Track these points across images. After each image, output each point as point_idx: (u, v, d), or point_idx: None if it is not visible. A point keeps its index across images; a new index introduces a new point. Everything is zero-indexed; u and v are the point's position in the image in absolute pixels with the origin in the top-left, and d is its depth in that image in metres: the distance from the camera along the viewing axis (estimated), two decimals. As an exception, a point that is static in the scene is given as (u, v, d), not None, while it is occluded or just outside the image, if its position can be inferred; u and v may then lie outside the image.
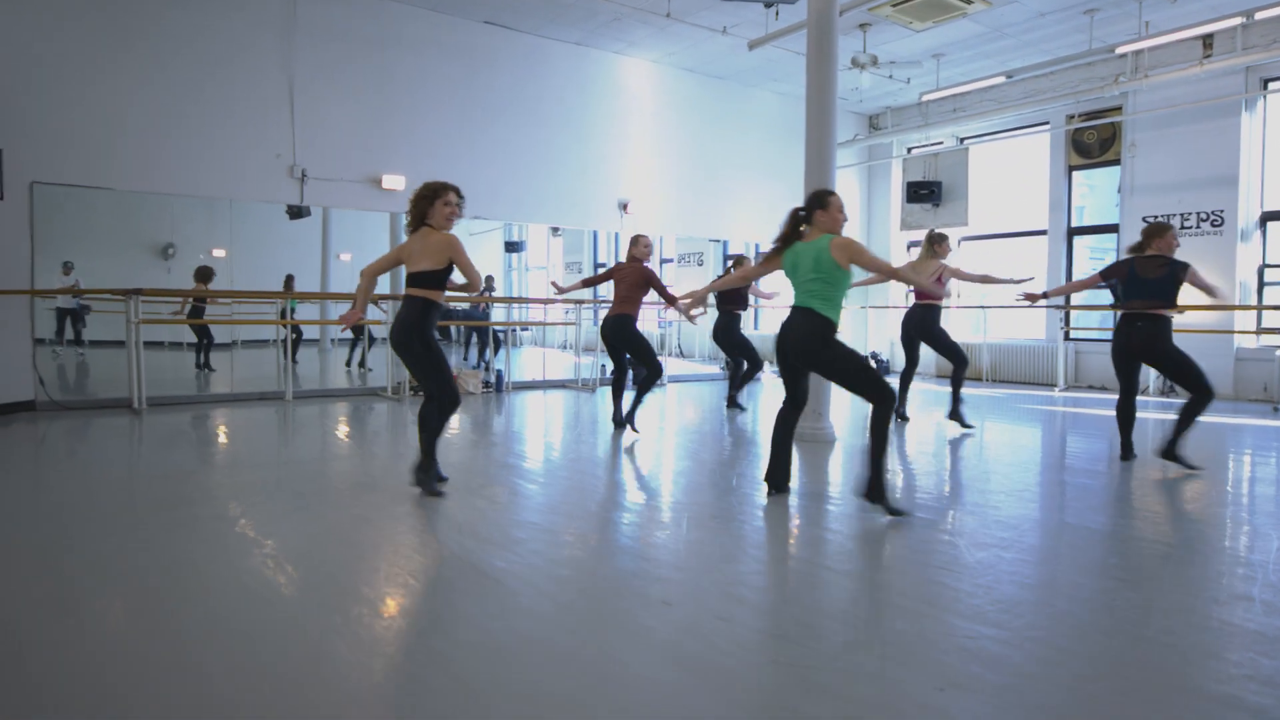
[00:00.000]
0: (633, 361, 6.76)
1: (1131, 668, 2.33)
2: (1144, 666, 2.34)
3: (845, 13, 8.30)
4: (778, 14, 9.12)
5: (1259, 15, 8.43)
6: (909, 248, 13.60)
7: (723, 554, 3.37)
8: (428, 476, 4.24)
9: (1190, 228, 9.99)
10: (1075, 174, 11.50)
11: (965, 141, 12.66)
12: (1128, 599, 2.89)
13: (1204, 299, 5.80)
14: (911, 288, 7.75)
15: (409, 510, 3.97)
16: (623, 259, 6.90)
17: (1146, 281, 5.18)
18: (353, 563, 3.23)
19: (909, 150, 13.49)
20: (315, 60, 8.93)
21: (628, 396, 6.82)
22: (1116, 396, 5.55)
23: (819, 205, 4.12)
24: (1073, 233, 11.53)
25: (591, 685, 2.18)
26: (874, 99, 12.83)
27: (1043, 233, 11.80)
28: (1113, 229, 11.04)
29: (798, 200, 4.70)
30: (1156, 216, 10.24)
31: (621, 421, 6.69)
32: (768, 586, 3.12)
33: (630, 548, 3.53)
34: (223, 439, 6.47)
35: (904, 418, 7.41)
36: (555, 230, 13.93)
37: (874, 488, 3.91)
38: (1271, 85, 9.57)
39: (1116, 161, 10.89)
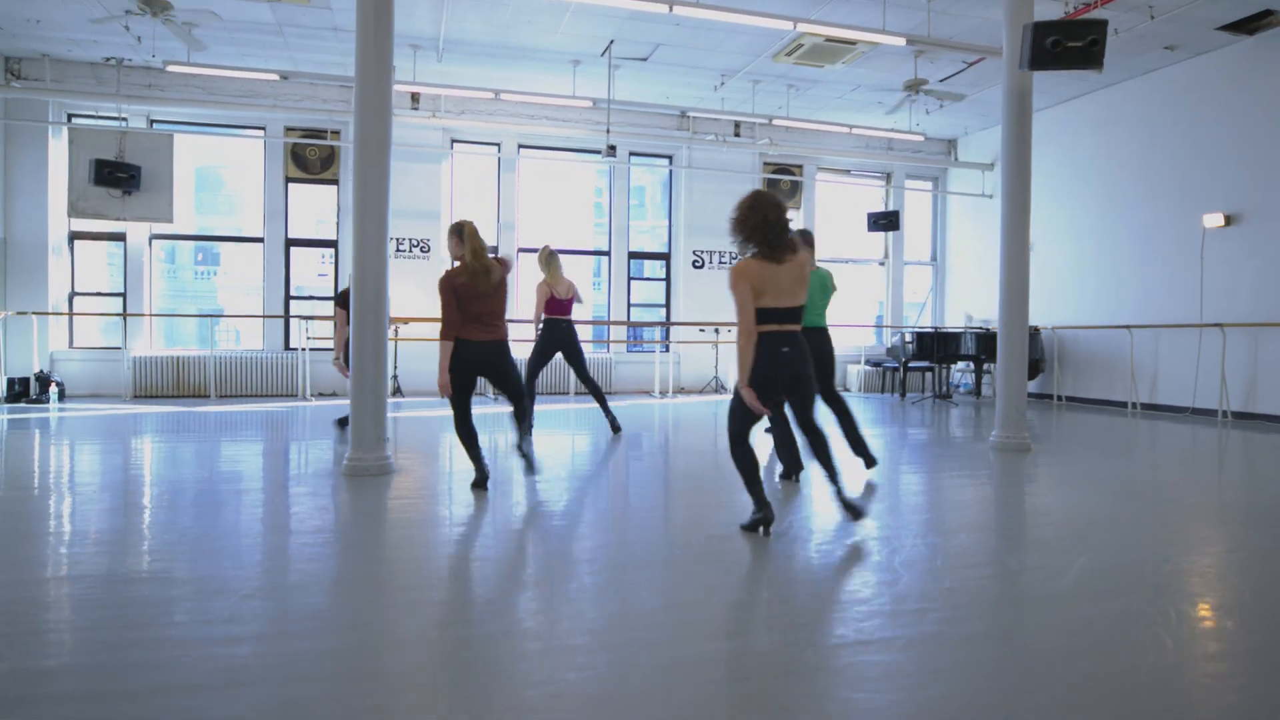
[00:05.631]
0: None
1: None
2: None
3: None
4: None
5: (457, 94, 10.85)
6: (72, 240, 10.93)
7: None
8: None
9: (404, 251, 11.76)
10: (293, 186, 11.68)
11: (158, 125, 11.07)
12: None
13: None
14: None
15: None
16: None
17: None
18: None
19: (69, 118, 10.79)
20: None
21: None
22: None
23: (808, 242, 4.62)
24: (290, 244, 11.70)
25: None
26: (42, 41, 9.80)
27: (259, 240, 11.54)
28: (332, 244, 11.81)
29: None
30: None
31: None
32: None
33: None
34: None
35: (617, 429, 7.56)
36: None
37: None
38: (458, 146, 12.20)
39: (335, 181, 11.69)
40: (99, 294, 11.26)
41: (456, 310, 4.71)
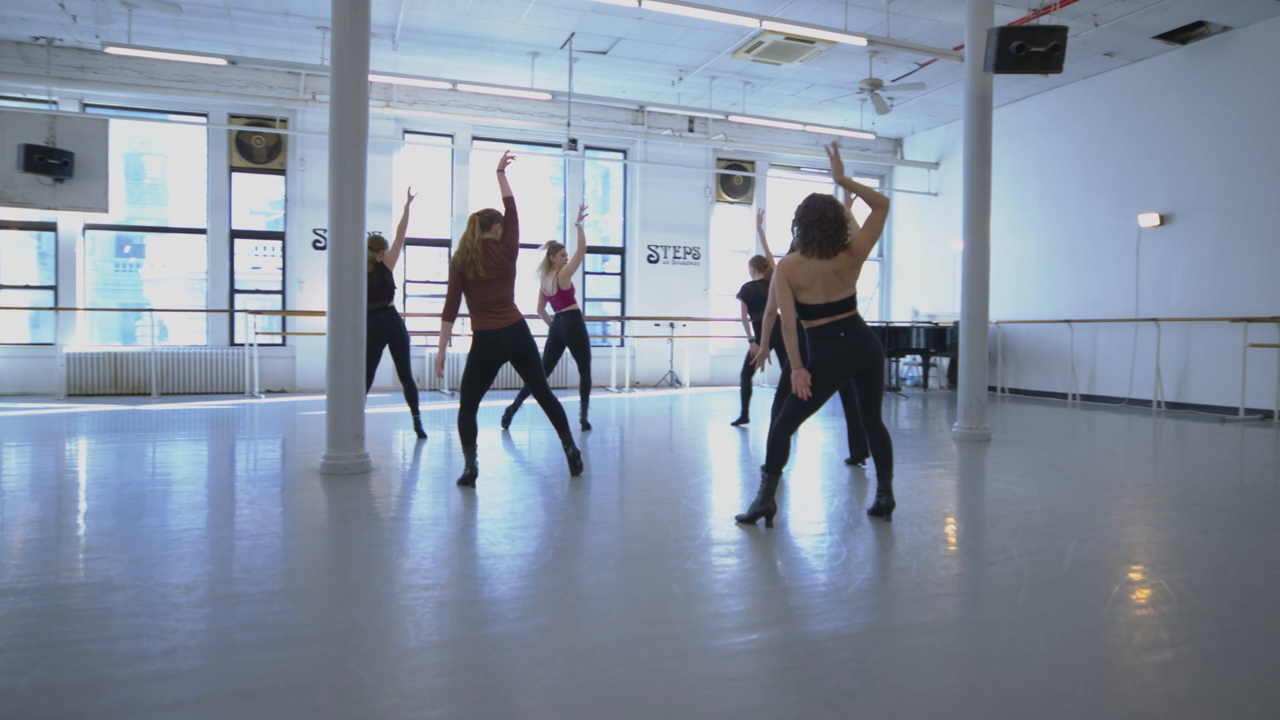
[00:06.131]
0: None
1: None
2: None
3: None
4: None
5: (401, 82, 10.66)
6: (-2, 228, 10.32)
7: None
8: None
9: (354, 243, 11.43)
10: (236, 175, 11.23)
11: (91, 110, 10.51)
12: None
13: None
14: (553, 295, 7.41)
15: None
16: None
17: None
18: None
19: (-9, 99, 10.17)
20: None
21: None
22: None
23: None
24: (234, 235, 11.26)
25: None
26: (-42, 17, 9.18)
27: (202, 231, 11.09)
28: (279, 236, 11.42)
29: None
30: (320, 230, 11.28)
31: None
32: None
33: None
34: None
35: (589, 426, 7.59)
36: None
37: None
38: (409, 137, 11.93)
39: (282, 170, 11.30)
40: (26, 287, 10.65)
41: (458, 292, 4.90)
